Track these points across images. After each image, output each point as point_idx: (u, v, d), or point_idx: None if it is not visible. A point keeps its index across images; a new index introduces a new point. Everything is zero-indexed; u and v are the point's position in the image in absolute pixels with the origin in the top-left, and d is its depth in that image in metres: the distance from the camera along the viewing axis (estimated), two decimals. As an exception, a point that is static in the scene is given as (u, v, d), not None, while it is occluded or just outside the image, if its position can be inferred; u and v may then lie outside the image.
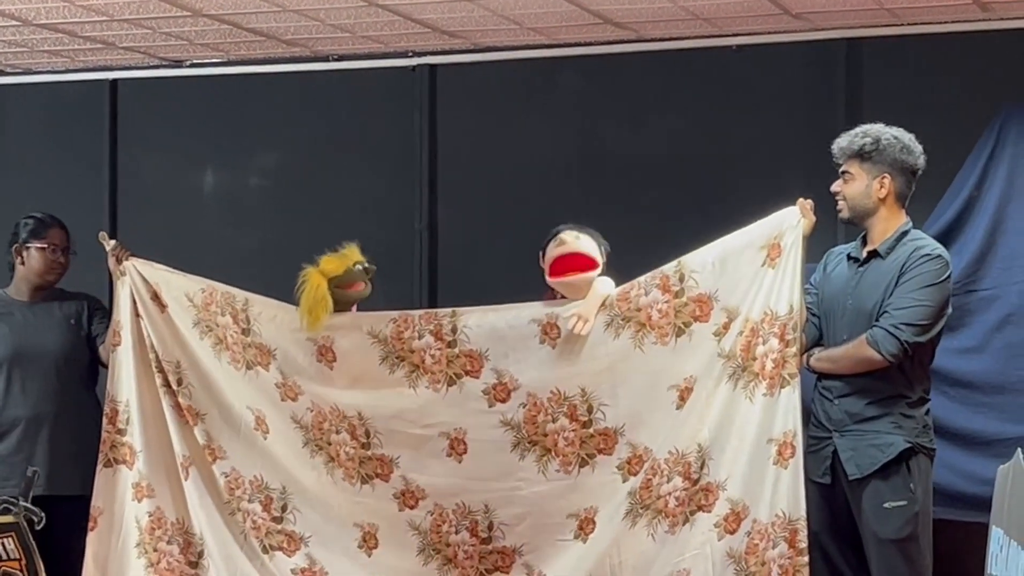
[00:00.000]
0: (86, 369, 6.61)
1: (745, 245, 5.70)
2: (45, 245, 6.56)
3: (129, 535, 6.19)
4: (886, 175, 5.65)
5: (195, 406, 6.23)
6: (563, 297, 5.93)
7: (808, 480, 5.59)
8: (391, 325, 6.03)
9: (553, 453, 5.90)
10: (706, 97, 7.21)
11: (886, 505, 5.52)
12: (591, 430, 5.85)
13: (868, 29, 6.86)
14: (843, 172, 5.72)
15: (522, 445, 5.92)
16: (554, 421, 5.88)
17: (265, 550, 6.17)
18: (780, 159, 7.02)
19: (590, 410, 5.85)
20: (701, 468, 5.68)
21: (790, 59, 7.05)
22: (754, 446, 5.60)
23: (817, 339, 5.78)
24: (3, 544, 5.83)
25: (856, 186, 5.68)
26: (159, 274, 6.31)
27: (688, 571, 5.69)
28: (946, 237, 6.17)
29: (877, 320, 5.54)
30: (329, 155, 7.81)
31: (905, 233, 5.66)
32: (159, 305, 6.27)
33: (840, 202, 5.73)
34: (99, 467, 6.23)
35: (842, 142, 5.73)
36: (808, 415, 5.73)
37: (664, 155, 7.28)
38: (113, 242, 6.37)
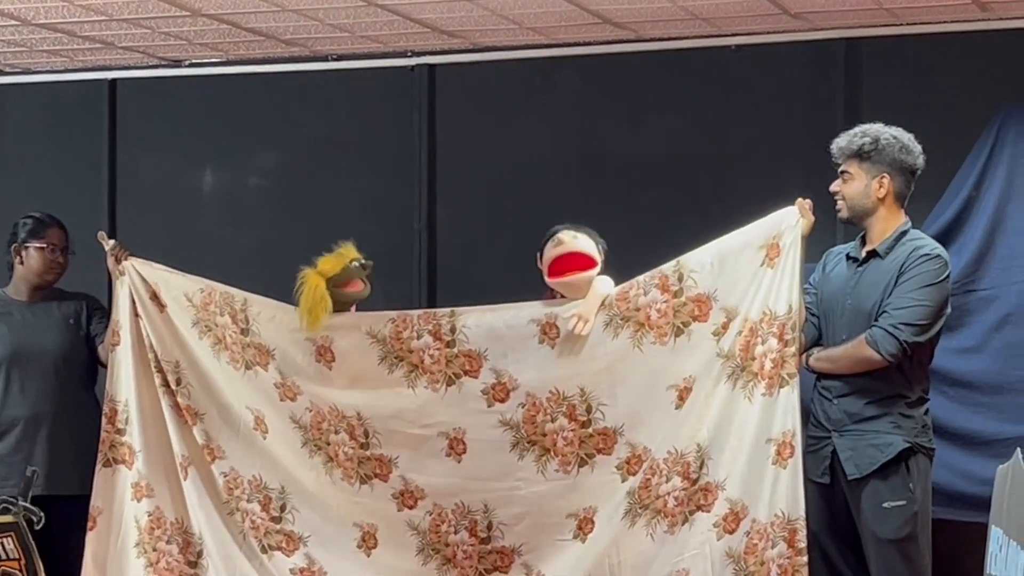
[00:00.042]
0: (85, 369, 6.61)
1: (744, 245, 5.70)
2: (44, 245, 6.56)
3: (128, 535, 6.19)
4: (885, 175, 5.65)
5: (194, 406, 6.23)
6: (562, 297, 5.93)
7: (807, 480, 5.59)
8: (390, 325, 6.03)
9: (552, 453, 5.90)
10: (705, 97, 7.21)
11: (885, 505, 5.52)
12: (590, 430, 5.86)
13: (867, 29, 6.86)
14: (842, 172, 5.72)
15: (521, 445, 5.92)
16: (553, 421, 5.88)
17: (264, 550, 6.17)
18: (779, 159, 7.02)
19: (589, 410, 5.85)
20: (700, 468, 5.68)
21: (789, 59, 7.05)
22: (753, 446, 5.60)
23: (816, 339, 5.78)
24: (2, 544, 5.83)
25: (855, 186, 5.68)
26: (158, 274, 6.30)
27: (687, 571, 5.69)
28: (945, 237, 6.17)
29: (876, 320, 5.54)
30: (328, 155, 7.81)
31: (904, 233, 5.66)
32: (158, 305, 6.27)
33: (839, 202, 5.73)
34: (98, 467, 6.23)
35: (841, 142, 5.73)
36: (807, 415, 5.73)
37: (663, 155, 7.28)
38: (112, 242, 6.37)
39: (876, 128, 5.69)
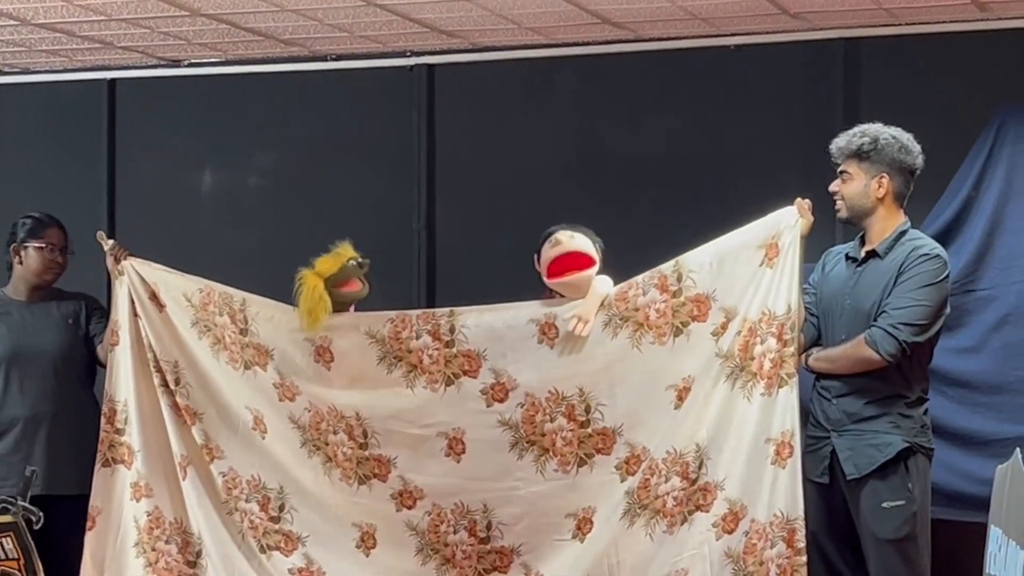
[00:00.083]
0: (84, 369, 6.60)
1: (743, 245, 5.70)
2: (43, 245, 6.56)
3: (127, 535, 6.19)
4: (884, 175, 5.65)
5: (193, 406, 6.23)
6: (561, 297, 5.93)
7: (806, 480, 5.59)
8: (389, 325, 6.03)
9: (551, 453, 5.90)
10: (704, 97, 7.21)
11: (884, 505, 5.52)
12: (589, 430, 5.85)
13: (866, 29, 6.86)
14: (841, 172, 5.72)
15: (520, 445, 5.92)
16: (552, 421, 5.88)
17: (263, 550, 6.17)
18: (778, 159, 7.02)
19: (588, 410, 5.85)
20: (699, 468, 5.68)
21: (788, 59, 7.05)
22: (752, 446, 5.60)
23: (815, 339, 5.78)
24: (1, 544, 5.82)
25: (854, 186, 5.68)
26: (157, 274, 6.30)
27: (686, 571, 5.69)
28: (944, 237, 6.18)
29: (875, 320, 5.54)
30: (327, 155, 7.81)
31: (903, 233, 5.66)
32: (157, 305, 6.27)
33: (838, 202, 5.73)
34: (97, 467, 6.23)
35: (840, 142, 5.73)
36: (806, 415, 5.73)
37: (662, 155, 7.28)
38: (111, 242, 6.37)
39: (875, 128, 5.69)
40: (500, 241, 7.34)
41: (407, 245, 7.60)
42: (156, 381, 6.24)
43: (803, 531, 5.52)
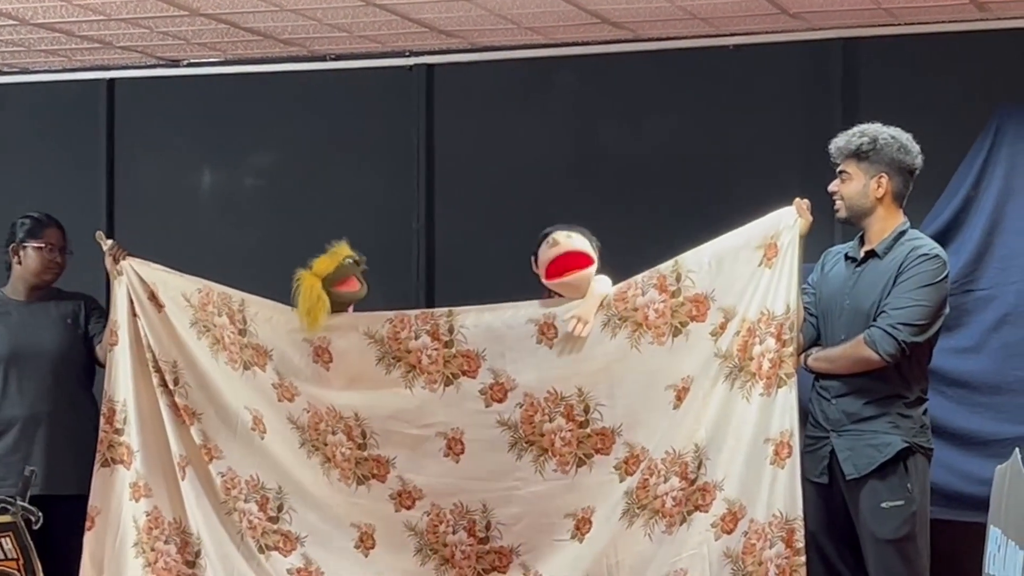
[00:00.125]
0: (83, 369, 6.61)
1: (741, 245, 5.70)
2: (42, 245, 6.56)
3: (127, 535, 6.19)
4: (883, 175, 5.64)
5: (191, 406, 6.23)
6: (560, 297, 5.93)
7: (805, 480, 5.59)
8: (387, 325, 6.03)
9: (550, 453, 5.90)
10: (703, 97, 7.20)
11: (883, 505, 5.52)
12: (588, 430, 5.86)
13: (865, 29, 6.86)
14: (840, 172, 5.72)
15: (519, 445, 5.92)
16: (551, 421, 5.88)
17: (261, 550, 6.17)
18: (777, 159, 7.02)
19: (587, 410, 5.85)
20: (698, 468, 5.68)
21: (787, 59, 7.05)
22: (751, 446, 5.60)
23: (815, 339, 5.78)
24: (1, 544, 5.82)
25: (853, 186, 5.68)
26: (156, 274, 6.31)
27: (685, 571, 5.69)
28: (943, 237, 6.17)
29: (875, 320, 5.54)
30: (326, 155, 7.81)
31: (903, 233, 5.66)
32: (156, 305, 6.27)
33: (837, 202, 5.73)
34: (96, 467, 6.24)
35: (839, 142, 5.73)
36: (806, 415, 5.73)
37: (661, 154, 7.28)
38: (110, 242, 6.37)
39: (874, 128, 5.69)
40: (499, 241, 7.33)
41: (406, 245, 7.59)
42: (155, 381, 6.24)
43: (802, 531, 5.52)
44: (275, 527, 6.17)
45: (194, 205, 8.03)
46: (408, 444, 6.03)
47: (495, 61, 7.46)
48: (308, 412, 6.12)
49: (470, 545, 6.01)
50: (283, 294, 6.08)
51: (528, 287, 6.04)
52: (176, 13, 6.68)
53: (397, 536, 6.06)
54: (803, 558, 5.53)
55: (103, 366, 6.39)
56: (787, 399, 5.55)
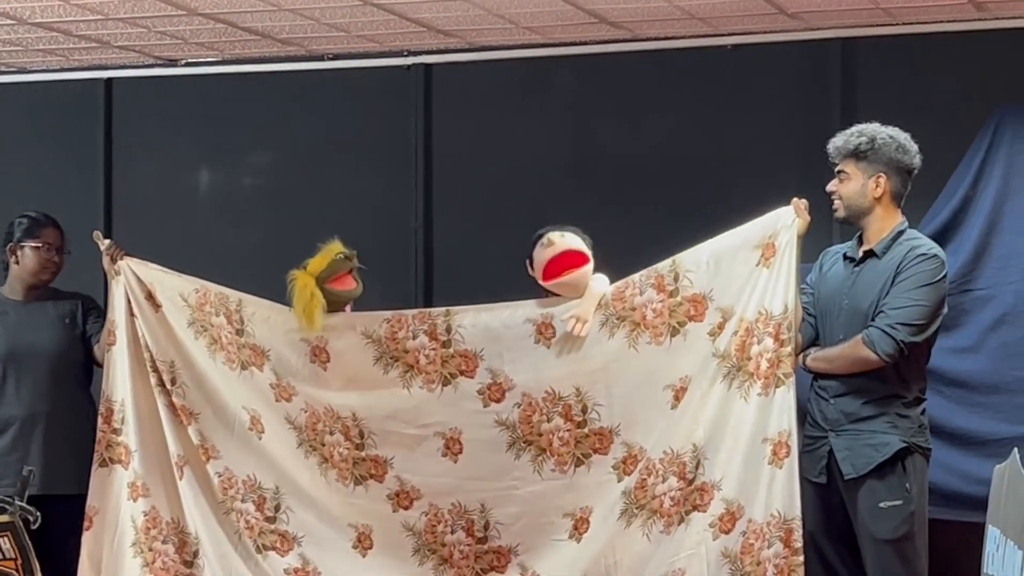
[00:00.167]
0: (81, 368, 6.60)
1: (739, 245, 5.70)
2: (39, 244, 6.55)
3: (125, 535, 6.19)
4: (882, 174, 5.64)
5: (189, 405, 6.22)
6: (558, 296, 5.92)
7: (804, 480, 5.59)
8: (385, 325, 6.02)
9: (548, 453, 5.89)
10: (701, 96, 7.21)
11: (882, 505, 5.52)
12: (586, 430, 5.85)
13: (863, 28, 6.86)
14: (839, 171, 5.71)
15: (517, 445, 5.92)
16: (549, 421, 5.88)
17: (259, 550, 6.16)
18: (775, 158, 7.02)
19: (585, 410, 5.85)
20: (696, 468, 5.68)
21: (785, 58, 7.05)
22: (749, 446, 5.60)
23: (813, 339, 5.77)
24: (-1, 544, 5.83)
25: (852, 185, 5.67)
26: (153, 274, 6.30)
27: (683, 571, 5.69)
28: (942, 236, 6.18)
29: (873, 320, 5.54)
30: (324, 154, 7.81)
31: (901, 233, 5.65)
32: (153, 305, 6.26)
33: (836, 201, 5.73)
34: (94, 467, 6.23)
35: (838, 141, 5.73)
36: (804, 415, 5.72)
37: (659, 154, 7.28)
38: (108, 241, 6.36)
39: (872, 128, 5.69)
40: (498, 240, 7.33)
41: (404, 244, 7.59)
42: (153, 381, 6.23)
43: (800, 531, 5.52)
44: (272, 527, 6.17)
45: (192, 205, 8.03)
46: (406, 444, 6.03)
47: (493, 61, 7.47)
48: (306, 412, 6.12)
49: (468, 545, 6.00)
50: (281, 294, 6.07)
51: (526, 287, 6.04)
52: (174, 13, 6.68)
53: (395, 536, 6.06)
54: (801, 558, 5.53)
55: (101, 366, 6.39)
56: (785, 399, 5.55)
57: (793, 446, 5.53)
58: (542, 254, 5.89)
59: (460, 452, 5.97)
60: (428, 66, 7.59)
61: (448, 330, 5.96)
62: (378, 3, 6.51)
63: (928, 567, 5.63)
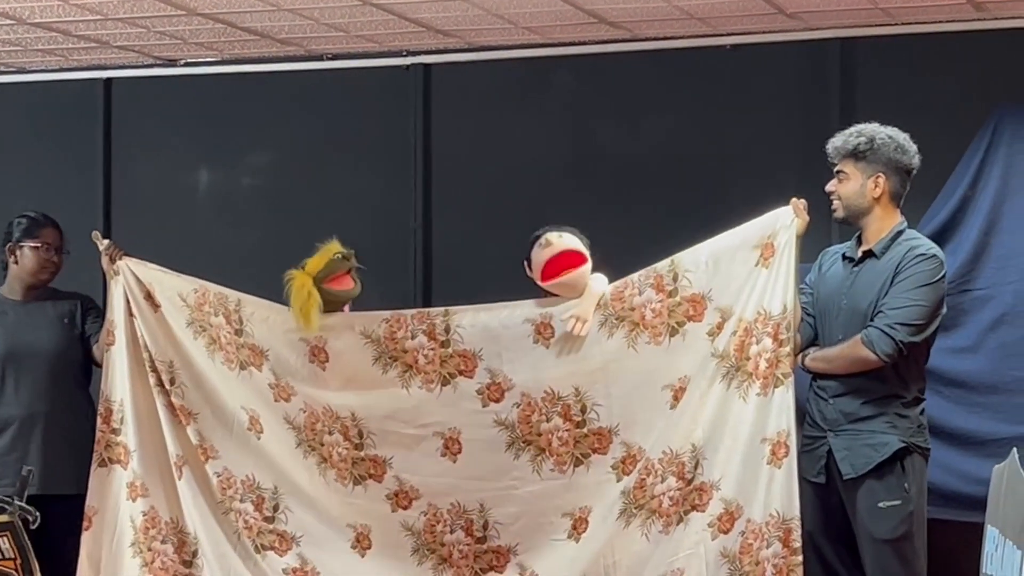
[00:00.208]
0: (80, 368, 6.60)
1: (738, 245, 5.70)
2: (38, 244, 6.55)
3: (124, 535, 6.18)
4: (880, 174, 5.64)
5: (187, 406, 6.22)
6: (556, 296, 5.92)
7: (803, 479, 5.59)
8: (384, 325, 6.02)
9: (547, 453, 5.89)
10: (700, 96, 7.21)
11: (881, 505, 5.52)
12: (585, 430, 5.85)
13: (862, 28, 6.86)
14: (837, 171, 5.71)
15: (516, 445, 5.92)
16: (548, 421, 5.88)
17: (257, 550, 6.16)
18: (774, 158, 7.02)
19: (584, 410, 5.85)
20: (695, 468, 5.67)
21: (784, 58, 7.05)
22: (748, 446, 5.60)
23: (812, 339, 5.77)
24: (-2, 544, 5.83)
25: (850, 185, 5.67)
26: (152, 274, 6.30)
27: (682, 571, 5.68)
28: (941, 237, 6.18)
29: (872, 320, 5.54)
30: (323, 154, 7.81)
31: (900, 233, 5.65)
32: (152, 305, 6.26)
33: (835, 202, 5.72)
34: (93, 466, 6.23)
35: (836, 141, 5.73)
36: (803, 415, 5.72)
37: (658, 154, 7.28)
38: (107, 241, 6.36)
39: (871, 128, 5.69)
40: (496, 240, 7.33)
41: (403, 244, 7.59)
42: (152, 381, 6.23)
43: (799, 531, 5.52)
44: (271, 527, 6.17)
45: (191, 205, 8.03)
46: (405, 444, 6.03)
47: (492, 61, 7.47)
48: (304, 412, 6.12)
49: (467, 545, 6.00)
50: (279, 294, 6.07)
51: (525, 287, 6.03)
52: (173, 13, 6.68)
53: (394, 536, 6.06)
54: (800, 558, 5.53)
55: (100, 366, 6.39)
56: (784, 399, 5.55)
57: (792, 446, 5.53)
58: (540, 254, 5.89)
59: (459, 452, 5.97)
60: (427, 66, 7.59)
61: (447, 330, 5.96)
62: (377, 3, 6.51)
63: (927, 567, 5.63)
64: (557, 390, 5.85)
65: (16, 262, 6.58)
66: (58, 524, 6.15)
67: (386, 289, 6.95)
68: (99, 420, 6.25)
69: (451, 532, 6.01)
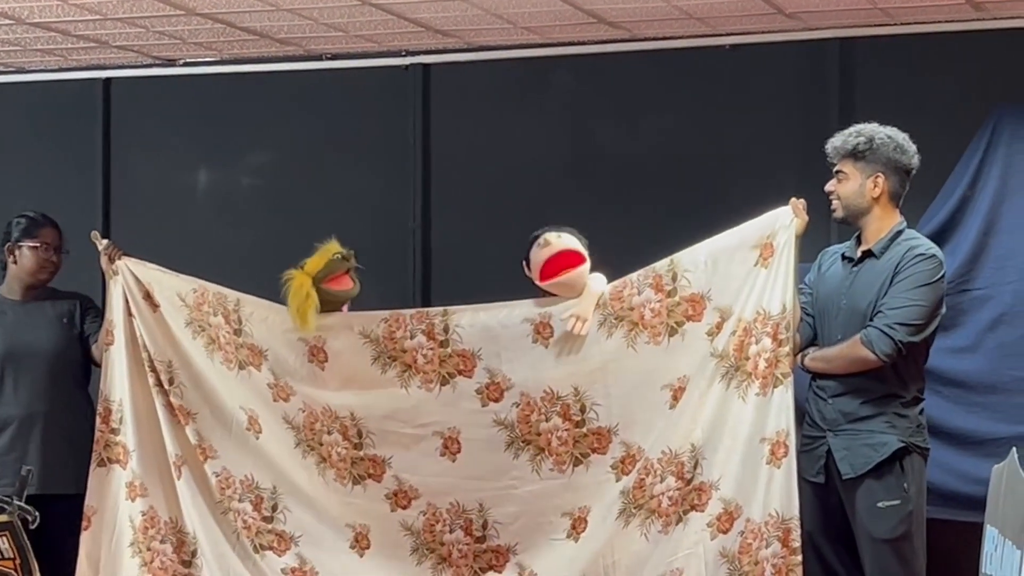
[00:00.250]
0: (79, 368, 6.60)
1: (737, 245, 5.70)
2: (37, 244, 6.55)
3: (123, 534, 6.18)
4: (880, 174, 5.64)
5: (186, 405, 6.22)
6: (555, 296, 5.92)
7: (802, 479, 5.58)
8: (383, 325, 6.02)
9: (547, 452, 5.89)
10: (699, 96, 7.21)
11: (880, 504, 5.52)
12: (584, 429, 5.85)
13: (861, 28, 6.87)
14: (837, 171, 5.71)
15: (516, 444, 5.92)
16: (547, 420, 5.88)
17: (256, 549, 6.16)
18: (773, 158, 7.02)
19: (583, 409, 5.85)
20: (694, 468, 5.67)
21: (783, 58, 7.05)
22: (747, 445, 5.59)
23: (812, 339, 5.77)
24: (-2, 543, 5.83)
25: (850, 185, 5.67)
26: (151, 273, 6.30)
27: (681, 571, 5.68)
28: (940, 237, 6.18)
29: (871, 320, 5.54)
30: (322, 154, 7.81)
31: (899, 233, 5.65)
32: (151, 305, 6.26)
33: (834, 201, 5.72)
34: (93, 466, 6.23)
35: (836, 141, 5.73)
36: (802, 415, 5.72)
37: (657, 154, 7.28)
38: (106, 241, 6.36)
39: (871, 128, 5.69)
40: (495, 240, 7.33)
41: (402, 244, 7.60)
42: (151, 381, 6.22)
43: (798, 531, 5.51)
44: (269, 527, 6.17)
45: (190, 205, 8.04)
46: (404, 444, 6.03)
47: (491, 61, 7.47)
48: (303, 412, 6.12)
49: (467, 544, 6.01)
50: (278, 294, 6.06)
51: (524, 287, 6.03)
52: (172, 13, 6.68)
53: (393, 536, 6.06)
54: (799, 558, 5.52)
55: (99, 366, 6.39)
56: (783, 399, 5.54)
57: (791, 446, 5.53)
58: (539, 254, 5.89)
59: (458, 451, 5.97)
60: (426, 66, 7.59)
61: (446, 330, 5.96)
62: (376, 3, 6.51)
63: (926, 567, 5.63)
64: (556, 390, 5.85)
65: (15, 262, 6.57)
66: (57, 524, 6.14)
67: (385, 289, 6.95)
68: (98, 420, 6.25)
69: (450, 532, 6.01)
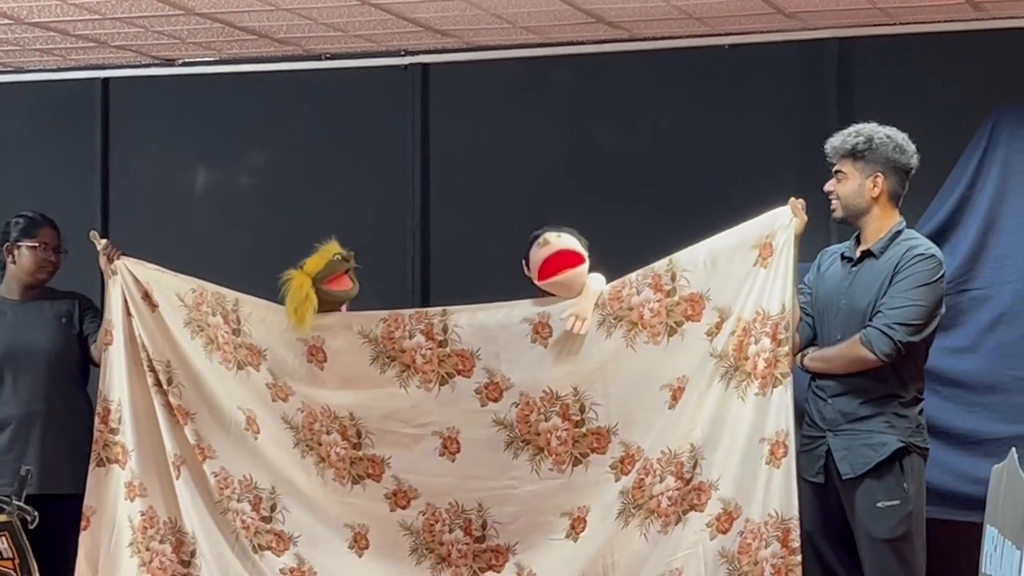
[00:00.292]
0: (77, 368, 6.59)
1: (737, 244, 5.70)
2: (36, 244, 6.55)
3: (122, 534, 6.19)
4: (879, 174, 5.64)
5: (185, 405, 6.22)
6: (553, 296, 5.92)
7: (801, 479, 5.58)
8: (381, 325, 6.02)
9: (546, 452, 5.89)
10: (699, 96, 7.21)
11: (879, 504, 5.52)
12: (583, 429, 5.85)
13: (861, 28, 6.86)
14: (836, 171, 5.71)
15: (515, 444, 5.92)
16: (547, 420, 5.88)
17: (255, 550, 6.16)
18: (773, 158, 7.02)
19: (582, 409, 5.85)
20: (693, 468, 5.67)
21: (783, 58, 7.05)
22: (746, 445, 5.59)
23: (811, 339, 5.77)
24: (-3, 543, 5.83)
25: (849, 185, 5.67)
26: (150, 273, 6.30)
27: (681, 571, 5.68)
28: (939, 236, 6.18)
29: (871, 320, 5.54)
30: (321, 154, 7.80)
31: (899, 233, 5.65)
32: (150, 304, 6.26)
33: (833, 201, 5.72)
34: (91, 466, 6.23)
35: (835, 141, 5.73)
36: (802, 414, 5.72)
37: (656, 154, 7.28)
38: (104, 241, 6.36)
39: (870, 127, 5.69)
40: (494, 240, 7.33)
41: (401, 244, 7.59)
42: (149, 380, 6.23)
43: (798, 531, 5.51)
44: (268, 527, 6.17)
45: (189, 204, 8.03)
46: (403, 444, 6.03)
47: (490, 60, 7.46)
48: (302, 412, 6.12)
49: (466, 544, 6.01)
50: (277, 294, 6.07)
51: (523, 286, 6.03)
52: (171, 12, 6.68)
53: (392, 535, 6.06)
54: (799, 558, 5.52)
55: (98, 365, 6.40)
56: (783, 399, 5.54)
57: (790, 446, 5.53)
58: (538, 254, 5.89)
59: (458, 451, 5.97)
60: (425, 66, 7.59)
61: (445, 330, 5.96)
62: (375, 3, 6.51)
63: (926, 567, 5.63)
64: (555, 389, 5.85)
65: (14, 262, 6.57)
66: (56, 524, 6.14)
67: (384, 289, 6.94)
68: (97, 420, 6.25)
69: (450, 531, 6.01)
